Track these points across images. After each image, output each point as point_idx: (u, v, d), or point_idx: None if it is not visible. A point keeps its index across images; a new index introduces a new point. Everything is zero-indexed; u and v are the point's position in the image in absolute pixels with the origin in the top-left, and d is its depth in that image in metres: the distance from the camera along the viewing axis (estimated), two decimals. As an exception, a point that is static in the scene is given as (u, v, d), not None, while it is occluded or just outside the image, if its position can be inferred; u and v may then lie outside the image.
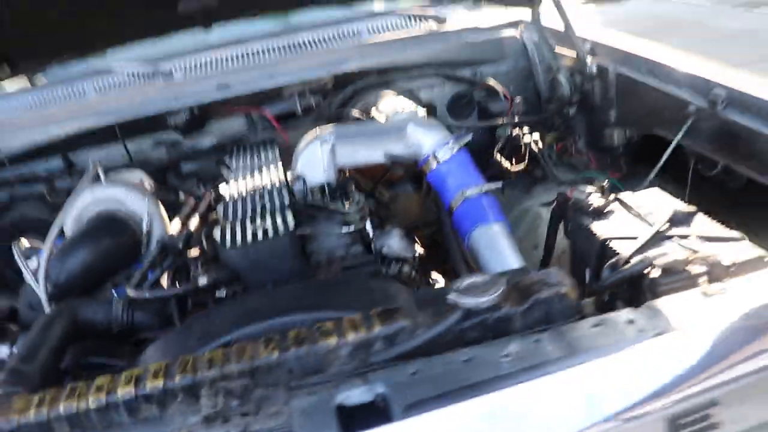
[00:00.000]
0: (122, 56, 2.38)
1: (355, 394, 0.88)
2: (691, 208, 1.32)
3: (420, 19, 2.55)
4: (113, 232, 1.65)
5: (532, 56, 2.40)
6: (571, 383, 0.88)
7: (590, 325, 0.97)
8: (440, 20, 2.54)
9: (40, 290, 1.52)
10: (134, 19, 1.94)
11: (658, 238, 1.24)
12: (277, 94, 2.24)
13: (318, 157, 1.72)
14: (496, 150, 2.14)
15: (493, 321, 0.98)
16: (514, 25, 2.47)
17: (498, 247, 1.60)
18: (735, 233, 1.23)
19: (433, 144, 1.76)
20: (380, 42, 2.39)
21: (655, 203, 1.39)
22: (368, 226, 1.57)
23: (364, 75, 2.30)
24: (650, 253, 1.18)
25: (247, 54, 2.41)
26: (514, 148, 2.16)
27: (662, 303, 1.01)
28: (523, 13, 2.41)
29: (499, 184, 1.71)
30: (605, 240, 1.31)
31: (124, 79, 2.39)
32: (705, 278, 1.09)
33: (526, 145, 2.11)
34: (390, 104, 2.12)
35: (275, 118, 2.24)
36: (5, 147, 2.18)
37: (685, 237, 1.23)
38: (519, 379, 0.87)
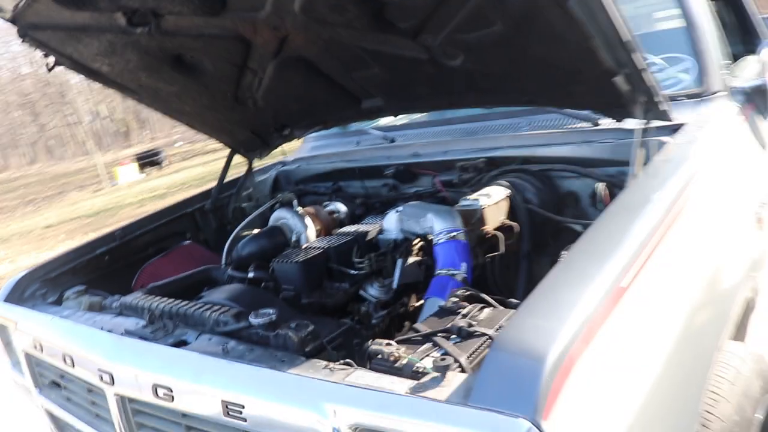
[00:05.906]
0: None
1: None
2: None
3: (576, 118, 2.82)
4: (273, 235, 2.73)
5: None
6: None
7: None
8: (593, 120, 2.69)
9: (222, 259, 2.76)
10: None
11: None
12: (450, 166, 2.97)
13: (392, 221, 2.54)
14: None
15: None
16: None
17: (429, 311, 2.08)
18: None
19: (439, 228, 2.36)
20: (531, 134, 2.90)
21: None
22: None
23: (511, 160, 2.83)
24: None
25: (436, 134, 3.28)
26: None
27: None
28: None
29: (463, 273, 2.21)
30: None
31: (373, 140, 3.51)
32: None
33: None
34: (487, 190, 2.60)
35: (443, 183, 2.96)
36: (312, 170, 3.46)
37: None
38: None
